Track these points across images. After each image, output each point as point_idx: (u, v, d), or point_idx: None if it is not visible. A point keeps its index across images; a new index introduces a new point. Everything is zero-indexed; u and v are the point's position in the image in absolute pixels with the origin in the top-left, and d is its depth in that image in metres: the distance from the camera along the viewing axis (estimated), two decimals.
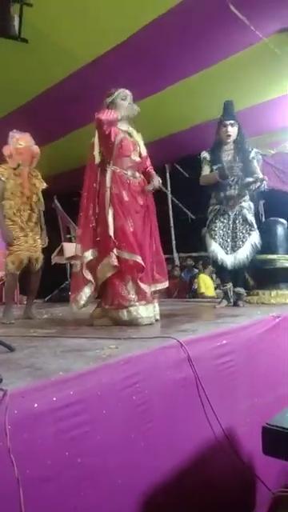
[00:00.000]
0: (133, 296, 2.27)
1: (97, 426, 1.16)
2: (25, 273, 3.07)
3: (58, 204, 7.76)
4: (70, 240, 7.12)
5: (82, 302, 2.35)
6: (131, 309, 2.26)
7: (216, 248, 3.12)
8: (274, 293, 3.36)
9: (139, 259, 2.26)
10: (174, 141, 5.02)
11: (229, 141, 3.18)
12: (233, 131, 3.16)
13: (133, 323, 2.23)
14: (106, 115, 2.35)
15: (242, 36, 3.47)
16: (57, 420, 1.07)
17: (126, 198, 2.35)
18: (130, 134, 2.53)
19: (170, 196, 6.74)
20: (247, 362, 1.86)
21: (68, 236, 7.39)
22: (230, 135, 3.16)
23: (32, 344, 1.79)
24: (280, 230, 3.61)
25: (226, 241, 3.14)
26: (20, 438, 0.98)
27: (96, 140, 2.49)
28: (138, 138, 2.58)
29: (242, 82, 4.14)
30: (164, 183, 6.79)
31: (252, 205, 3.23)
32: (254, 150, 3.22)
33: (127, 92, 2.53)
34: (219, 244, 3.13)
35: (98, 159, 2.46)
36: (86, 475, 1.11)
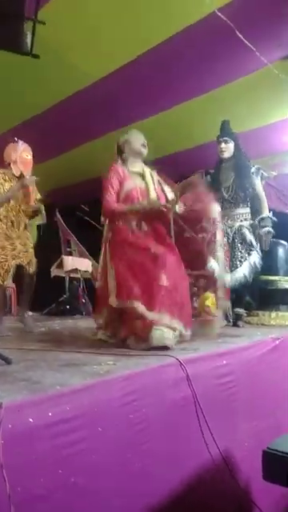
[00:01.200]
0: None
1: (92, 444, 1.13)
2: (21, 282, 3.03)
3: (60, 217, 7.79)
4: (70, 253, 7.11)
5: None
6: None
7: (214, 264, 3.03)
8: (273, 314, 3.34)
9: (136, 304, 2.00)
10: (179, 159, 5.07)
11: (224, 157, 3.26)
12: (226, 148, 3.25)
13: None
14: (118, 207, 2.29)
15: (247, 61, 3.55)
16: (52, 436, 1.04)
17: (127, 253, 2.18)
18: (142, 176, 2.43)
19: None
20: (247, 384, 1.83)
21: (68, 249, 7.38)
22: (223, 151, 3.25)
23: (29, 357, 1.77)
24: (281, 252, 3.63)
25: (229, 260, 3.10)
26: (13, 454, 0.95)
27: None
28: (150, 178, 2.45)
29: (246, 105, 4.21)
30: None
31: (253, 224, 3.23)
32: (256, 166, 3.29)
33: (140, 133, 2.53)
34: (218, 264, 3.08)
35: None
36: (79, 496, 1.07)
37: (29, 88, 3.89)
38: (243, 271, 3.04)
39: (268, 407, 1.96)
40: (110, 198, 2.30)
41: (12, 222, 2.96)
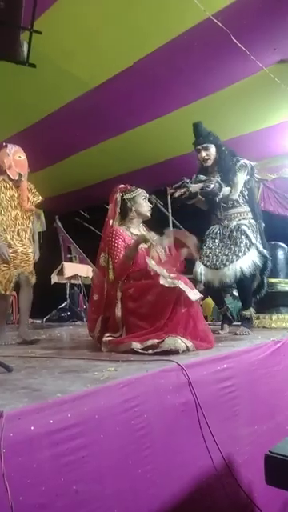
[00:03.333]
0: None
1: (94, 451, 1.12)
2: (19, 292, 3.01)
3: (60, 224, 7.81)
4: (70, 260, 7.13)
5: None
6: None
7: (200, 268, 2.90)
8: (274, 317, 3.34)
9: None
10: (176, 164, 5.10)
11: (208, 165, 3.01)
12: (208, 155, 2.98)
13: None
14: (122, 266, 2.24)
15: (243, 65, 3.58)
16: (53, 444, 1.03)
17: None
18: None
19: (171, 218, 6.79)
20: (248, 387, 1.83)
21: (69, 256, 7.40)
22: (206, 159, 2.99)
23: (30, 364, 1.77)
24: (280, 254, 3.63)
25: (217, 255, 2.91)
26: (15, 463, 0.95)
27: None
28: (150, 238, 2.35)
29: (243, 109, 4.24)
30: (165, 205, 6.86)
31: (254, 223, 3.01)
32: (243, 161, 2.97)
33: (146, 193, 2.46)
34: (205, 262, 2.92)
35: (111, 276, 2.29)
36: (81, 503, 1.06)
37: (26, 97, 3.93)
38: (240, 266, 2.79)
39: (269, 411, 1.95)
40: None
41: (18, 232, 2.96)
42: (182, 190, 2.93)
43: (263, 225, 3.11)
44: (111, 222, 2.39)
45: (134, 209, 2.38)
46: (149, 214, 2.43)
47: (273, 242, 3.77)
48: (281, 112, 4.39)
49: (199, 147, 3.02)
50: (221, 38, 3.09)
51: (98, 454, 1.13)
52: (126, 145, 4.80)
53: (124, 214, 2.43)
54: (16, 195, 3.00)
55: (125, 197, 2.41)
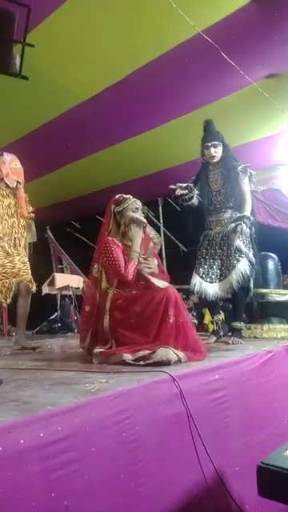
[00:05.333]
0: None
1: (85, 465, 1.11)
2: (14, 301, 2.99)
3: (51, 234, 7.79)
4: (61, 270, 7.09)
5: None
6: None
7: (196, 280, 2.95)
8: (265, 327, 3.35)
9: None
10: (167, 176, 5.14)
11: (214, 161, 3.07)
12: (216, 152, 3.05)
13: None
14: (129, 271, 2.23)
15: (232, 80, 3.66)
16: (43, 458, 1.01)
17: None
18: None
19: (162, 229, 6.83)
20: (240, 398, 1.83)
21: (60, 266, 7.36)
22: (213, 156, 3.05)
23: (20, 376, 1.74)
24: (271, 265, 3.66)
25: (212, 268, 2.96)
26: (4, 477, 0.93)
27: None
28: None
29: (233, 122, 4.30)
30: (157, 216, 6.89)
31: (246, 230, 2.97)
32: (243, 165, 3.08)
33: (138, 203, 2.41)
34: (201, 274, 2.96)
35: (104, 286, 2.29)
36: None
37: (18, 108, 3.95)
38: (231, 280, 2.84)
39: (261, 421, 1.95)
40: (124, 270, 2.25)
41: (14, 239, 2.94)
42: (184, 192, 2.99)
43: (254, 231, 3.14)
44: (106, 233, 2.40)
45: (122, 222, 2.38)
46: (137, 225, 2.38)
47: (263, 253, 3.81)
48: (269, 125, 4.48)
49: (209, 144, 3.07)
50: (211, 53, 3.16)
51: (90, 468, 1.12)
52: (118, 156, 4.84)
53: (117, 226, 2.43)
54: (13, 203, 2.99)
55: (115, 210, 2.41)
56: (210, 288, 2.92)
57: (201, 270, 3.00)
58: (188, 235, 3.26)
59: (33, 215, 3.10)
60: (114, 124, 4.33)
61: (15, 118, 4.14)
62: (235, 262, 2.89)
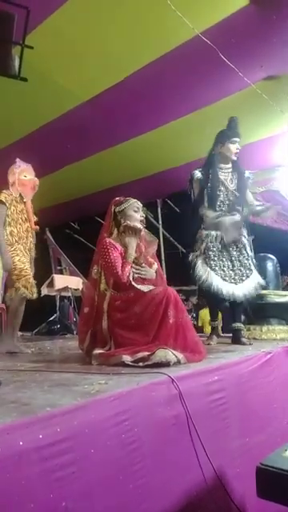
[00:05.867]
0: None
1: (84, 467, 1.10)
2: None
3: (50, 236, 7.79)
4: (60, 272, 7.09)
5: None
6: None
7: (216, 279, 2.85)
8: (264, 328, 3.35)
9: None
10: (166, 177, 5.15)
11: (234, 158, 3.04)
12: (238, 148, 3.04)
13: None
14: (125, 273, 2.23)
15: (231, 81, 3.66)
16: (42, 459, 1.01)
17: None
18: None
19: (161, 230, 6.83)
20: (239, 399, 1.83)
21: (59, 268, 7.36)
22: (237, 153, 3.02)
23: (19, 378, 1.74)
24: (270, 266, 3.66)
25: (232, 270, 2.92)
26: (2, 479, 0.93)
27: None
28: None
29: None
30: (156, 218, 6.89)
31: (250, 240, 3.10)
32: (248, 171, 3.14)
33: (139, 204, 2.43)
34: (220, 275, 2.89)
35: (102, 287, 2.31)
36: None
37: (17, 109, 3.95)
38: (252, 284, 2.89)
39: (260, 422, 1.94)
40: (121, 272, 2.26)
41: (29, 244, 3.04)
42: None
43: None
44: (105, 235, 2.40)
45: (123, 222, 2.38)
46: (138, 225, 2.41)
47: (262, 254, 3.82)
48: (269, 126, 4.48)
49: (236, 139, 3.04)
50: (210, 55, 3.17)
51: (89, 470, 1.11)
52: (117, 158, 4.84)
53: (118, 227, 2.43)
54: (25, 209, 3.07)
55: (116, 210, 2.42)
56: (229, 288, 2.87)
57: (217, 268, 2.92)
58: (191, 234, 3.23)
59: (37, 227, 3.15)
60: (114, 125, 4.33)
61: (15, 118, 4.14)
62: (251, 269, 2.95)
